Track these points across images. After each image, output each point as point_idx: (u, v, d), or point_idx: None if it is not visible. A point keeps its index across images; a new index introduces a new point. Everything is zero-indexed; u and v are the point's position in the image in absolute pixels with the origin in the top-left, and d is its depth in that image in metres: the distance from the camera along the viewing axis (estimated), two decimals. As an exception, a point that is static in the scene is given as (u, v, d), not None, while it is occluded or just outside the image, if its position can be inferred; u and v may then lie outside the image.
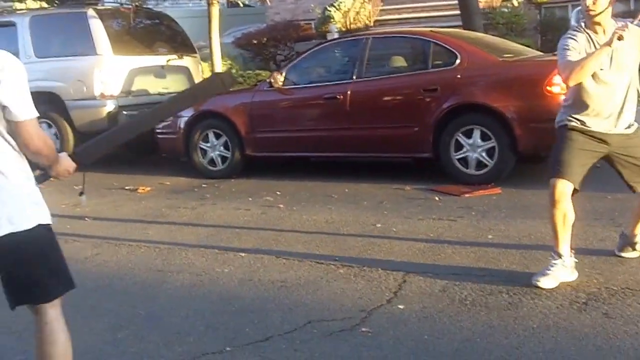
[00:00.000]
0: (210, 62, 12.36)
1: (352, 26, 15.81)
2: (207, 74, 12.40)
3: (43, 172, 3.01)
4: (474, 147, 7.36)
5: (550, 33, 14.61)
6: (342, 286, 4.66)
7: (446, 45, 7.80)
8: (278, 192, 7.67)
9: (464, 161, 7.44)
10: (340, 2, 15.95)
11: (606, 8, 4.24)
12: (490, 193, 6.97)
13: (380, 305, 4.28)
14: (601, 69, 4.24)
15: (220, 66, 12.34)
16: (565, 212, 4.29)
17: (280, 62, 14.96)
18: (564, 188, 4.25)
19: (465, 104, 7.44)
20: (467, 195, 6.93)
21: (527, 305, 4.10)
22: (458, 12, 12.42)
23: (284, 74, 8.52)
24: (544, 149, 7.75)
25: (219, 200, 7.58)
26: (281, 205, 7.07)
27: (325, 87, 8.31)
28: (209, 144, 8.79)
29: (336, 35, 14.59)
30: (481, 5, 13.83)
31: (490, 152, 7.31)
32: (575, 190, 4.29)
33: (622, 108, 4.35)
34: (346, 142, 8.16)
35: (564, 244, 4.37)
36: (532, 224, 5.75)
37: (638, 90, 4.45)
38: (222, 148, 8.75)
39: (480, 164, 7.39)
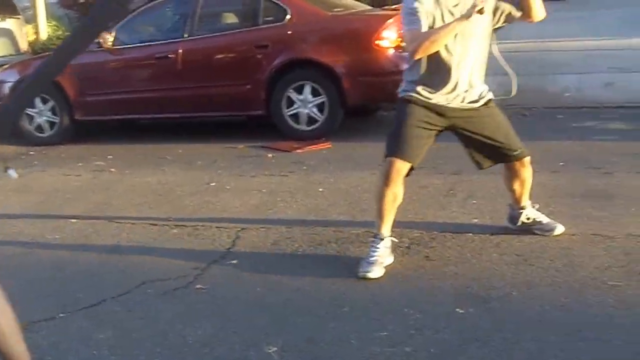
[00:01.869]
0: (35, 24, 11.81)
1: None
2: (32, 37, 11.86)
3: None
4: (305, 102, 7.47)
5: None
6: (176, 246, 4.68)
7: (276, 1, 7.77)
8: (109, 157, 7.51)
9: (296, 117, 7.55)
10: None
11: None
12: (321, 148, 7.13)
13: (214, 262, 4.34)
14: None
15: (45, 28, 11.80)
16: (397, 193, 3.97)
17: (110, 21, 14.51)
18: (401, 167, 3.92)
19: (295, 59, 7.51)
20: (298, 151, 7.05)
21: (354, 253, 4.29)
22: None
23: (113, 34, 8.18)
24: (372, 101, 8.06)
25: (47, 167, 7.34)
26: (113, 170, 6.94)
27: (157, 46, 8.15)
28: (35, 110, 8.37)
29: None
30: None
31: (320, 107, 7.45)
32: (411, 169, 3.98)
33: (470, 79, 3.96)
34: (179, 103, 8.05)
35: (387, 225, 4.07)
36: (361, 175, 5.94)
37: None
38: (49, 113, 8.41)
39: (311, 120, 7.52)
